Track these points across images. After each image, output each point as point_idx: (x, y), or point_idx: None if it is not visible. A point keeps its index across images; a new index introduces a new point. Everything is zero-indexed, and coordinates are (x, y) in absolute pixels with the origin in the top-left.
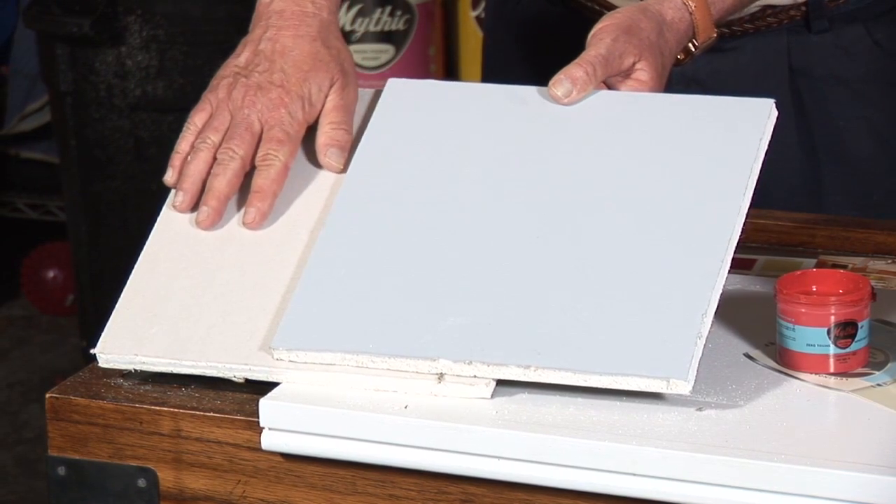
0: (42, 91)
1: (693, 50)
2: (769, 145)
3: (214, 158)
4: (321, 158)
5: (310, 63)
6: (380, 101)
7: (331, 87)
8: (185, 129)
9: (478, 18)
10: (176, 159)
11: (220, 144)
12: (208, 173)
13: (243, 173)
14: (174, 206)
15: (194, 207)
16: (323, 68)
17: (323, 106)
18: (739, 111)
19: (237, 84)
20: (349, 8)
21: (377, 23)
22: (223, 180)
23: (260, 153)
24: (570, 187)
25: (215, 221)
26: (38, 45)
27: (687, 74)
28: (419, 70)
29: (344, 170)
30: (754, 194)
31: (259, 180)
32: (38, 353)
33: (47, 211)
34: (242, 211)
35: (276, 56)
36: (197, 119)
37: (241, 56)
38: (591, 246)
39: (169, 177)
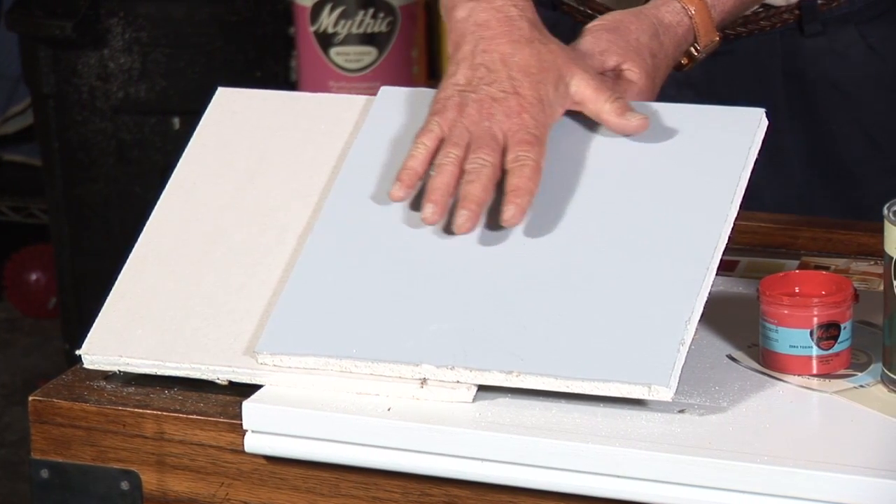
0: (24, 93)
1: (696, 54)
2: (761, 149)
3: (460, 172)
4: (625, 127)
5: (536, 65)
6: (371, 108)
7: (567, 83)
8: (413, 148)
9: None
10: (404, 175)
11: (463, 158)
12: (455, 187)
13: (496, 180)
14: (423, 220)
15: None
16: (552, 69)
17: (576, 101)
18: (730, 120)
19: (467, 101)
20: (331, 10)
21: (360, 25)
22: (479, 186)
23: (510, 156)
24: (557, 194)
25: (475, 226)
26: (20, 48)
27: (679, 78)
28: (402, 72)
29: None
30: (746, 198)
31: (515, 179)
32: (20, 356)
33: (30, 213)
34: (233, 217)
35: (499, 65)
36: (426, 139)
37: (458, 74)
38: (576, 252)
39: (397, 190)
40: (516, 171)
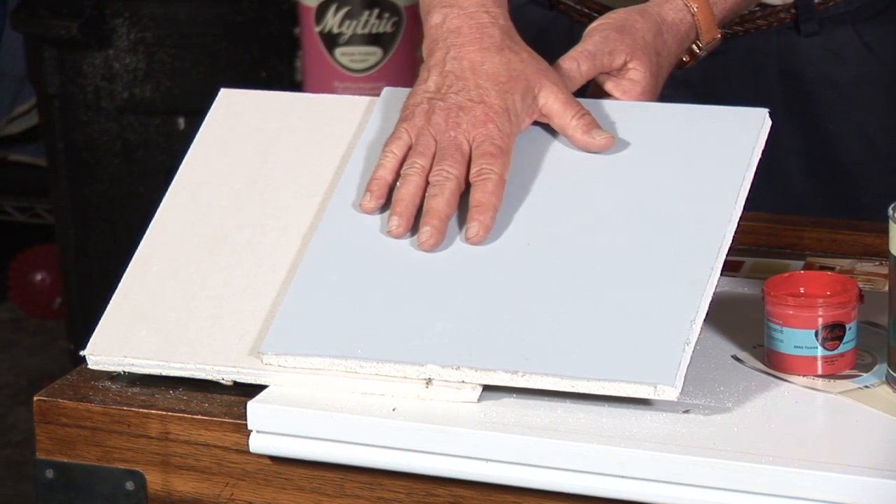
0: (30, 93)
1: (697, 51)
2: None
3: (426, 183)
4: (589, 144)
5: (505, 74)
6: (375, 109)
7: (535, 94)
8: (382, 157)
9: None
10: (374, 185)
11: (429, 168)
12: (421, 198)
13: (459, 193)
14: (389, 232)
15: (406, 233)
16: (520, 78)
17: (543, 113)
18: (733, 120)
19: (434, 109)
20: (337, 10)
21: (365, 25)
22: (442, 200)
23: (474, 169)
24: (561, 194)
25: (439, 242)
26: (25, 48)
27: (677, 77)
28: (407, 72)
29: (598, 144)
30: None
31: (478, 195)
32: (25, 356)
33: (35, 213)
34: (237, 217)
35: (468, 73)
36: (394, 147)
37: (429, 81)
38: (581, 252)
39: (367, 201)
40: (479, 186)
